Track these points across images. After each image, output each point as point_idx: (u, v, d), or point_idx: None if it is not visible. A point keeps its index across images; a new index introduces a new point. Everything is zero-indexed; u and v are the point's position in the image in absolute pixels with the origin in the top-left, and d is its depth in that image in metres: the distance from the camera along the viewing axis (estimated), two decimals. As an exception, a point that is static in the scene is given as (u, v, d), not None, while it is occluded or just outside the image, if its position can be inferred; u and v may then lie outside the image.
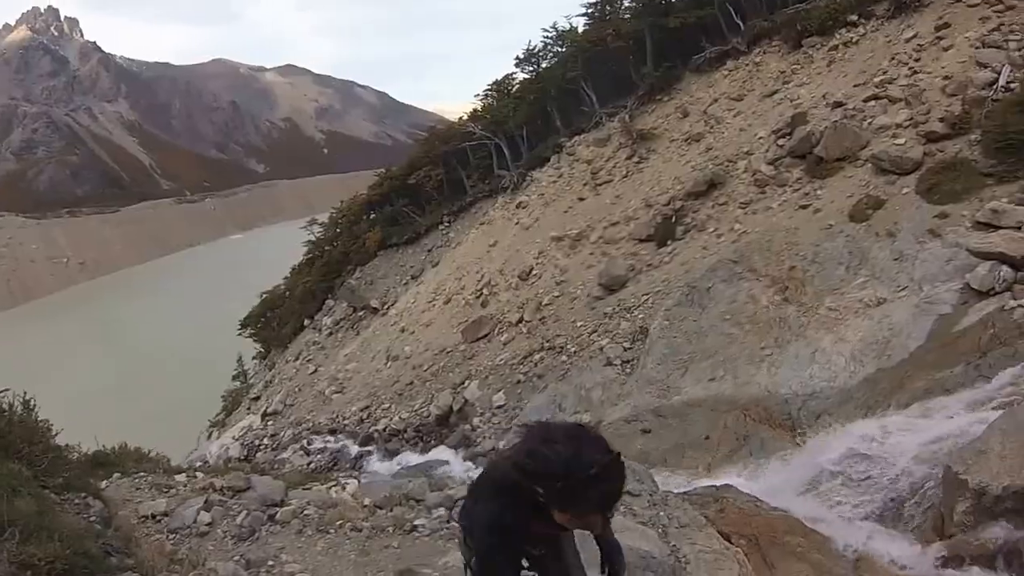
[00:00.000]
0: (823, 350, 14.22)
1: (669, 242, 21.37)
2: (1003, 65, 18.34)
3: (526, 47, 37.85)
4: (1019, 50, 18.78)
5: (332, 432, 24.56)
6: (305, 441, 24.69)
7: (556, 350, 19.99)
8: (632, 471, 7.03)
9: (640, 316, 18.95)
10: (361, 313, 35.78)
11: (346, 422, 24.60)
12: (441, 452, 19.42)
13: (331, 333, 36.48)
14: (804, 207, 17.86)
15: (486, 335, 23.50)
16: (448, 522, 7.23)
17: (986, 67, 18.57)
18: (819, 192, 18.04)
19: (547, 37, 37.65)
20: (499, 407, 19.73)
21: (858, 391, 12.86)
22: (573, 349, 19.59)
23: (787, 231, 17.31)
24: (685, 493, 9.03)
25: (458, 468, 17.31)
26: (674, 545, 6.25)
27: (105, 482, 7.70)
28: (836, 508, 9.75)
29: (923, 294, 13.78)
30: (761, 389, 14.10)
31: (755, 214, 19.18)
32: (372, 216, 42.63)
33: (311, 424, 26.30)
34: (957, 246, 13.96)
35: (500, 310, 24.23)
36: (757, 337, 15.45)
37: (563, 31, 37.38)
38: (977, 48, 19.30)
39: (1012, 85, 17.59)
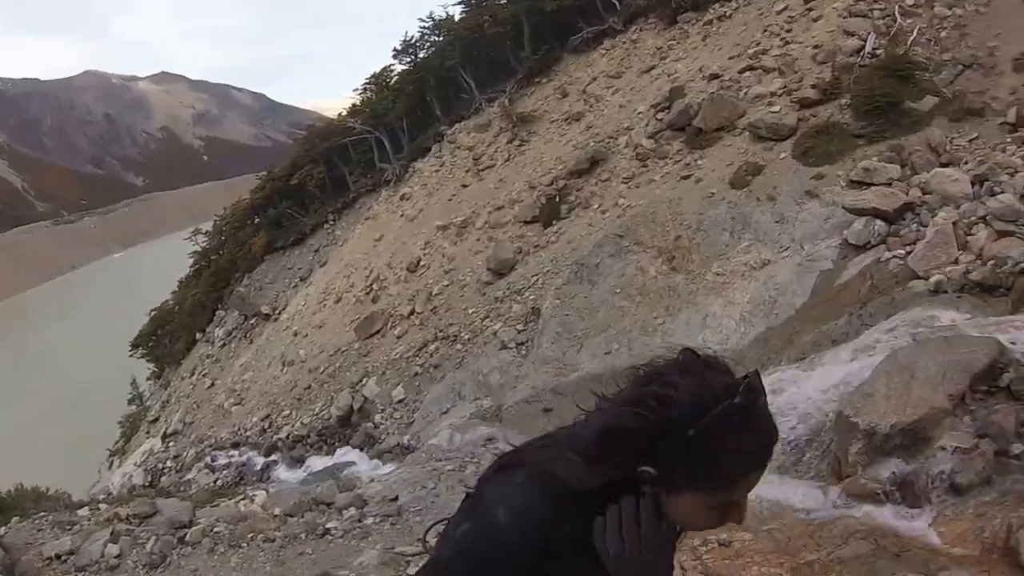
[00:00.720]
0: (713, 314, 14.67)
1: (555, 222, 21.40)
2: (869, 33, 19.08)
3: (403, 38, 37.42)
4: (883, 19, 19.59)
5: (235, 446, 24.04)
6: (209, 458, 24.08)
7: (450, 339, 19.94)
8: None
9: (531, 297, 18.95)
10: (253, 321, 34.99)
11: (248, 434, 24.16)
12: (347, 453, 19.27)
13: (224, 344, 35.58)
14: (686, 178, 18.10)
15: (379, 330, 23.25)
16: (360, 521, 7.40)
17: (853, 35, 19.27)
18: (700, 162, 18.32)
19: (424, 27, 37.28)
20: (399, 401, 19.61)
21: (750, 350, 13.35)
22: (467, 336, 19.55)
23: (670, 202, 17.54)
24: None
25: (365, 467, 17.24)
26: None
27: (3, 528, 7.50)
28: None
29: (805, 252, 14.34)
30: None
31: (638, 188, 19.30)
32: (256, 220, 41.84)
33: (213, 440, 25.66)
34: (834, 205, 14.54)
35: (391, 304, 24.01)
36: (648, 308, 15.76)
37: (440, 20, 37.10)
38: (845, 18, 19.99)
39: (878, 51, 18.35)
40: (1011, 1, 17.90)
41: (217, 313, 39.17)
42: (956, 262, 12.11)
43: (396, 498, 9.55)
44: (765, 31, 21.41)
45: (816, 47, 19.37)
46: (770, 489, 8.58)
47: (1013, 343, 9.11)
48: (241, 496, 8.92)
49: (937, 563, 6.65)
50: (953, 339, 9.49)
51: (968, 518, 7.20)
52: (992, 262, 11.60)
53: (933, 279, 11.98)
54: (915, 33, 18.41)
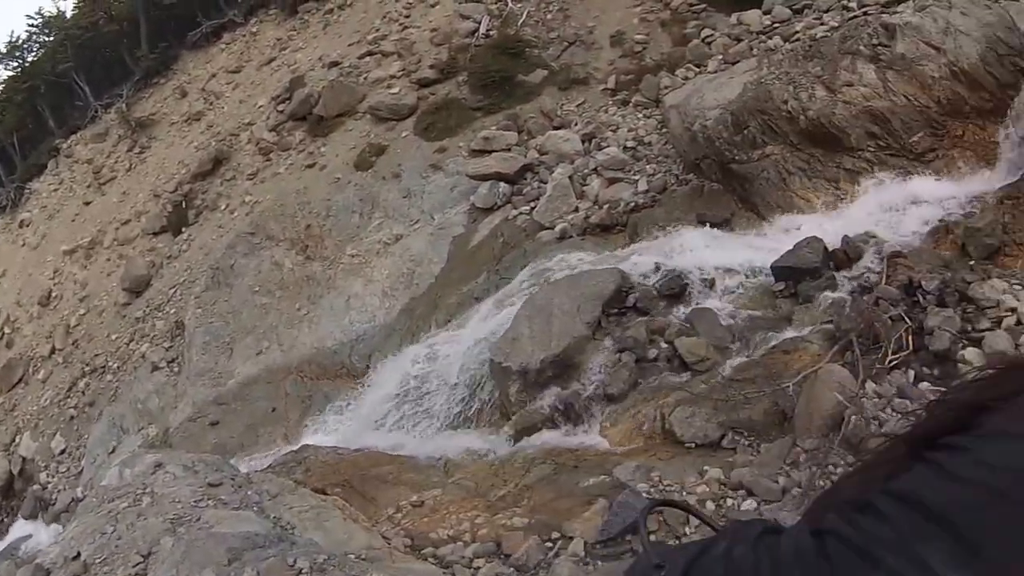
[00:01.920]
0: (356, 295, 14.74)
1: (184, 229, 20.00)
2: (483, 16, 19.90)
3: (8, 39, 32.33)
4: (496, 3, 20.59)
5: None
6: None
7: (99, 371, 18.49)
8: (206, 464, 7.66)
9: (172, 311, 17.90)
10: None
11: None
12: (21, 527, 16.98)
13: None
14: (310, 166, 17.62)
15: (21, 379, 20.92)
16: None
17: (468, 18, 20.01)
18: (323, 149, 17.95)
19: (32, 26, 32.60)
20: (61, 452, 17.75)
21: (399, 323, 13.79)
22: (116, 365, 18.21)
23: (297, 192, 17.03)
24: (269, 467, 9.74)
25: (45, 537, 14.80)
26: (274, 516, 6.63)
27: None
28: (412, 430, 10.49)
29: (436, 222, 14.73)
30: (308, 348, 14.62)
31: (264, 182, 18.40)
32: None
33: None
34: (458, 174, 15.07)
35: (28, 346, 21.68)
36: (290, 300, 15.60)
37: (50, 17, 32.75)
38: (460, 3, 20.73)
39: (491, 32, 19.26)
40: None
41: None
42: (576, 210, 13.41)
43: (78, 555, 8.26)
44: (384, 18, 21.50)
45: (434, 31, 19.79)
46: (449, 443, 9.70)
47: (633, 268, 10.79)
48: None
49: (611, 462, 7.69)
50: (582, 275, 10.75)
51: (627, 419, 8.41)
52: (607, 205, 13.12)
53: (558, 227, 13.17)
54: (525, 16, 19.55)
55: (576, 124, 15.30)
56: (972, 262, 9.21)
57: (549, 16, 19.24)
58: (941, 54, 11.66)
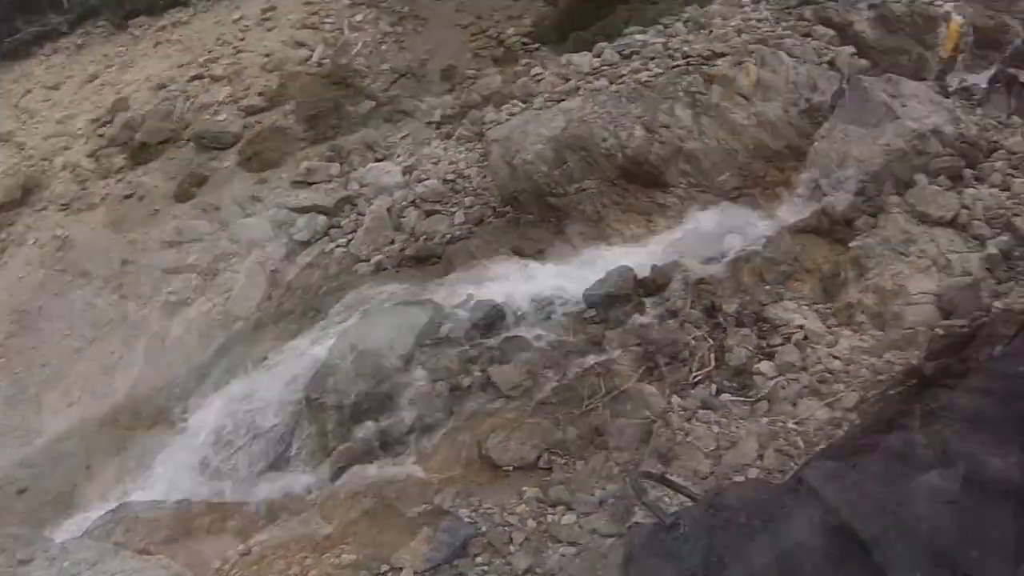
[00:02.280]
0: (172, 335, 14.19)
1: None
2: (318, 44, 19.79)
3: None
4: (332, 32, 20.51)
5: None
6: None
7: None
8: (15, 538, 7.20)
9: None
10: None
11: None
12: None
13: None
14: (129, 196, 16.83)
15: None
16: None
17: (303, 46, 19.88)
18: (143, 179, 17.19)
19: None
20: None
21: (215, 362, 13.31)
22: None
23: (114, 225, 16.32)
24: (86, 533, 9.32)
25: None
26: (95, 587, 6.39)
27: None
28: (232, 474, 10.30)
29: (254, 256, 14.46)
30: (123, 395, 13.70)
31: (79, 213, 17.39)
32: None
33: None
34: (278, 206, 14.89)
35: None
36: (104, 344, 14.65)
37: None
38: (297, 29, 20.56)
39: (324, 61, 19.17)
40: (443, 24, 20.24)
41: None
42: (393, 242, 13.71)
43: None
44: (219, 39, 20.99)
45: (267, 56, 19.52)
46: (270, 485, 9.67)
47: (447, 299, 11.34)
48: None
49: (432, 491, 8.04)
50: (396, 308, 11.27)
51: (445, 448, 8.87)
52: (424, 237, 13.55)
53: (374, 260, 13.46)
54: (360, 45, 19.61)
55: (399, 156, 15.54)
56: (768, 287, 10.33)
57: (384, 47, 19.42)
58: (751, 104, 13.08)
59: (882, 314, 9.09)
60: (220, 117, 17.49)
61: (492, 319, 10.75)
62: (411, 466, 8.87)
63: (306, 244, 14.15)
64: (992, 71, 14.24)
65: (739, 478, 7.07)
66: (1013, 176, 10.62)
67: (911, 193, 10.56)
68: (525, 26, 19.64)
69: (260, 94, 17.89)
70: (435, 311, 10.78)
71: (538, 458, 8.18)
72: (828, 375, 8.26)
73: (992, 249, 9.46)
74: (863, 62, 14.92)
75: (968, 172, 10.91)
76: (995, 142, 11.65)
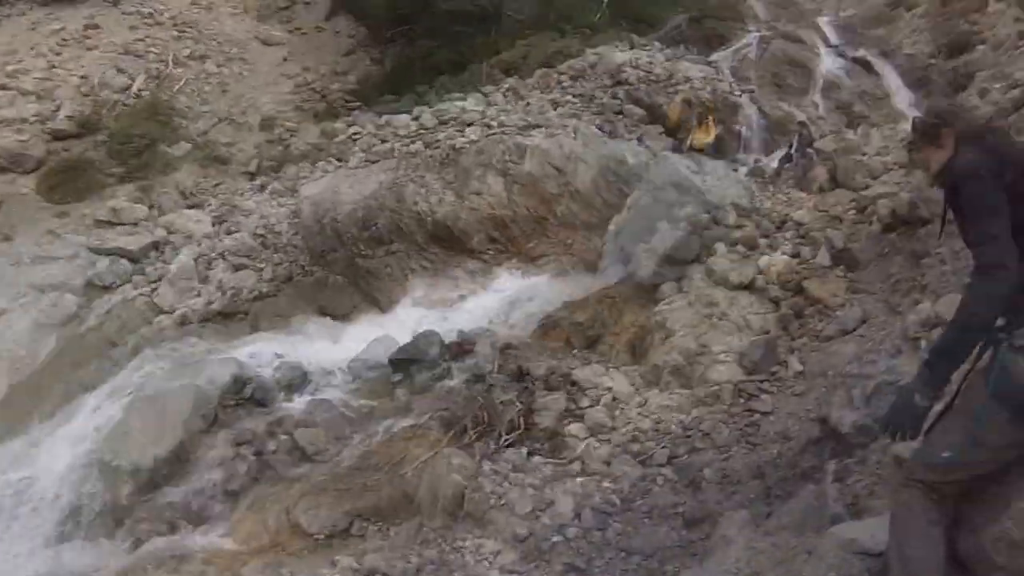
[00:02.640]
0: None
1: None
2: (139, 74, 19.44)
3: None
4: (157, 63, 20.22)
5: None
6: None
7: None
8: None
9: None
10: None
11: None
12: None
13: None
14: None
15: None
16: None
17: (124, 72, 19.40)
18: None
19: None
20: None
21: None
22: None
23: None
24: None
25: None
26: None
27: None
28: (12, 549, 9.12)
29: (47, 298, 13.56)
30: None
31: None
32: None
33: None
34: (79, 245, 14.26)
35: None
36: None
37: None
38: (120, 54, 20.01)
39: (144, 93, 18.87)
40: (270, 72, 20.52)
41: None
42: (199, 295, 13.39)
43: None
44: (33, 49, 19.89)
45: (83, 77, 18.84)
46: (57, 560, 8.64)
47: (252, 358, 10.81)
48: None
49: (239, 562, 7.47)
50: (198, 364, 10.63)
51: (251, 516, 8.21)
52: (231, 291, 13.26)
53: (178, 312, 13.00)
54: (183, 82, 19.49)
55: (211, 205, 15.48)
56: (575, 351, 10.54)
57: (207, 88, 19.41)
58: (562, 175, 13.42)
59: (688, 373, 9.39)
60: (23, 137, 16.66)
61: (298, 380, 10.51)
62: (215, 537, 8.19)
63: (106, 290, 13.50)
64: (781, 153, 15.79)
65: (557, 539, 7.33)
66: (801, 244, 11.45)
67: (712, 261, 11.06)
68: (350, 83, 20.45)
69: (71, 118, 17.29)
70: (240, 370, 10.31)
71: (350, 525, 7.91)
72: (639, 433, 8.46)
73: (786, 309, 10.07)
74: (668, 140, 16.07)
75: (763, 241, 11.58)
76: (785, 215, 12.51)
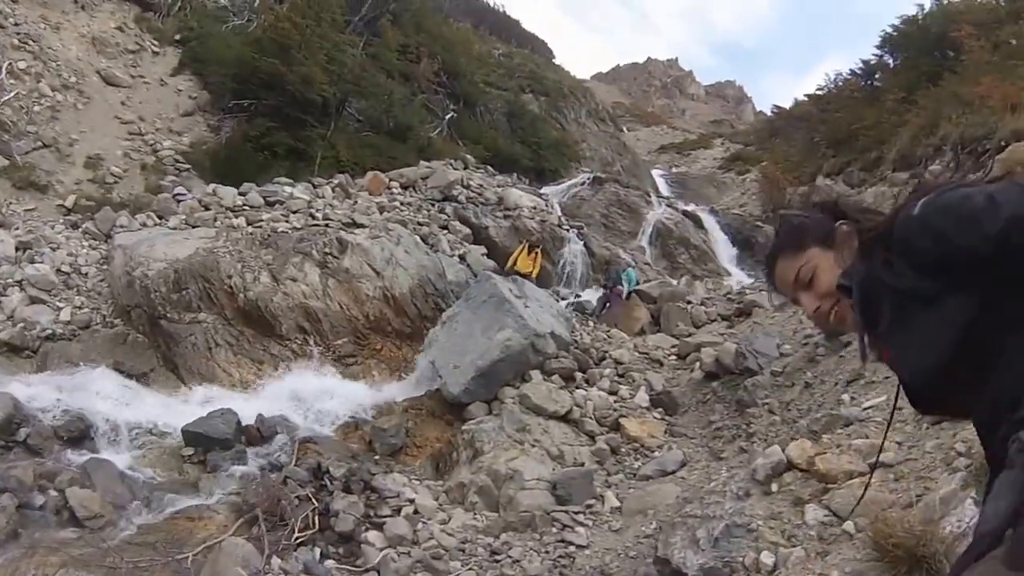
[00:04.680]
0: None
1: None
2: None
3: None
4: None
5: None
6: None
7: None
8: None
9: None
10: None
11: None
12: None
13: None
14: None
15: None
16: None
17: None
18: None
19: None
20: None
21: None
22: None
23: None
24: None
25: None
26: None
27: None
28: None
29: None
30: None
31: None
32: None
33: None
34: None
35: None
36: None
37: None
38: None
39: None
40: (106, 111, 20.18)
41: None
42: None
43: None
44: None
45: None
46: None
47: (32, 400, 10.19)
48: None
49: None
50: None
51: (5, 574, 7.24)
52: (22, 324, 12.80)
53: None
54: (13, 95, 18.97)
55: (17, 228, 15.09)
56: (377, 457, 10.45)
57: (37, 109, 18.97)
58: (380, 278, 13.59)
59: (496, 496, 9.24)
60: None
61: (80, 434, 9.87)
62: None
63: None
64: (601, 291, 16.53)
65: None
66: (619, 383, 11.68)
67: (527, 387, 11.07)
68: (183, 144, 20.52)
69: None
70: (15, 410, 9.57)
71: (120, 603, 6.99)
72: (443, 551, 8.07)
73: (602, 444, 10.14)
74: (491, 262, 16.68)
75: (580, 375, 11.76)
76: (605, 351, 12.87)
